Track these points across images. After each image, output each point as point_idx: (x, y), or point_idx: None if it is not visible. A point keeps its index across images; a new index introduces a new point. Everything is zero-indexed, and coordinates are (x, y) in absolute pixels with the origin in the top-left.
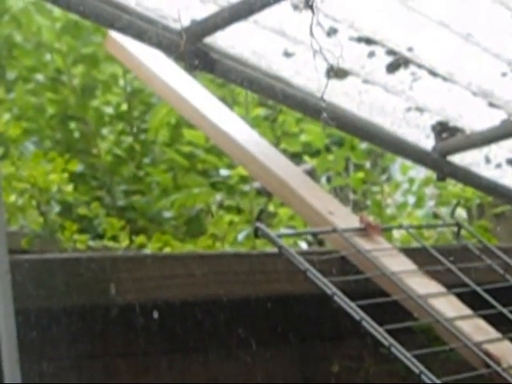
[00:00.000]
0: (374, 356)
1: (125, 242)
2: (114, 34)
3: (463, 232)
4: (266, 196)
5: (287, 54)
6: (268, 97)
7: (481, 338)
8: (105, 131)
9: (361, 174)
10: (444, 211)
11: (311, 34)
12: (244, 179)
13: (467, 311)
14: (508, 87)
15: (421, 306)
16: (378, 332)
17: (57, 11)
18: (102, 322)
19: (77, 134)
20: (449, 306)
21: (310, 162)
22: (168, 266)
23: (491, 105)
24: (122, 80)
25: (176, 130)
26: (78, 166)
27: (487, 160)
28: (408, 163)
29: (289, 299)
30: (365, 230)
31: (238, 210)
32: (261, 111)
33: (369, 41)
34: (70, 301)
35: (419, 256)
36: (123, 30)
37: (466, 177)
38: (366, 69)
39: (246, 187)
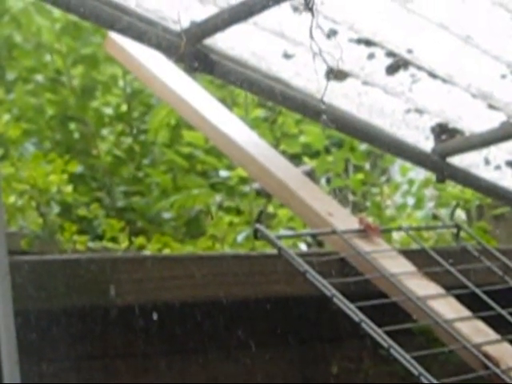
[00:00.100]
0: (373, 357)
1: (124, 243)
2: (113, 35)
3: (462, 233)
4: (265, 197)
5: (287, 56)
6: (268, 99)
7: (480, 339)
8: (104, 132)
9: (360, 176)
10: (443, 212)
11: (311, 36)
12: (243, 180)
13: (466, 313)
14: (507, 89)
15: (420, 307)
16: (377, 334)
17: (56, 12)
18: (101, 323)
19: (76, 135)
20: (448, 308)
21: (309, 163)
22: (167, 267)
23: (490, 107)
24: (122, 81)
25: (176, 131)
26: (77, 167)
27: (486, 162)
28: (407, 164)
29: (288, 301)
30: (364, 232)
31: (238, 211)
32: (260, 112)
33: (368, 42)
34: (70, 302)
35: (418, 258)
36: (123, 31)
37: (466, 178)
38: (365, 70)
39: (246, 188)
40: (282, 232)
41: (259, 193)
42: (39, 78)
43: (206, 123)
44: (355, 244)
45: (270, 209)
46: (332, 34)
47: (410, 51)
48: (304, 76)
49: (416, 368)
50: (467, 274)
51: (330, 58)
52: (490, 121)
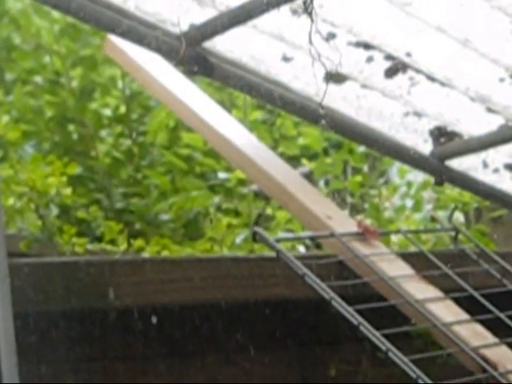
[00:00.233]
0: (371, 360)
1: (123, 245)
2: (112, 38)
3: (461, 236)
4: (263, 199)
5: (286, 59)
6: (266, 102)
7: (478, 342)
8: (103, 134)
9: (359, 178)
10: (442, 215)
11: (310, 41)
12: (242, 182)
13: (464, 316)
14: (506, 92)
15: (418, 310)
16: (376, 337)
17: (55, 13)
18: (100, 326)
19: (75, 137)
20: (446, 311)
21: (307, 166)
22: (166, 270)
23: (489, 110)
24: (121, 82)
25: (174, 132)
26: (76, 169)
27: (485, 165)
28: (406, 167)
29: (287, 303)
30: (363, 235)
31: (236, 213)
32: (259, 115)
33: (367, 46)
34: (69, 304)
35: (417, 261)
36: (123, 34)
37: (464, 181)
38: (364, 73)
39: (244, 190)
40: (281, 235)
41: (258, 195)
42: (38, 79)
43: (204, 125)
44: (354, 247)
45: (269, 211)
46: (331, 37)
47: (408, 54)
48: (303, 79)
49: (414, 371)
50: (465, 277)
51: (329, 62)
52: (489, 124)
